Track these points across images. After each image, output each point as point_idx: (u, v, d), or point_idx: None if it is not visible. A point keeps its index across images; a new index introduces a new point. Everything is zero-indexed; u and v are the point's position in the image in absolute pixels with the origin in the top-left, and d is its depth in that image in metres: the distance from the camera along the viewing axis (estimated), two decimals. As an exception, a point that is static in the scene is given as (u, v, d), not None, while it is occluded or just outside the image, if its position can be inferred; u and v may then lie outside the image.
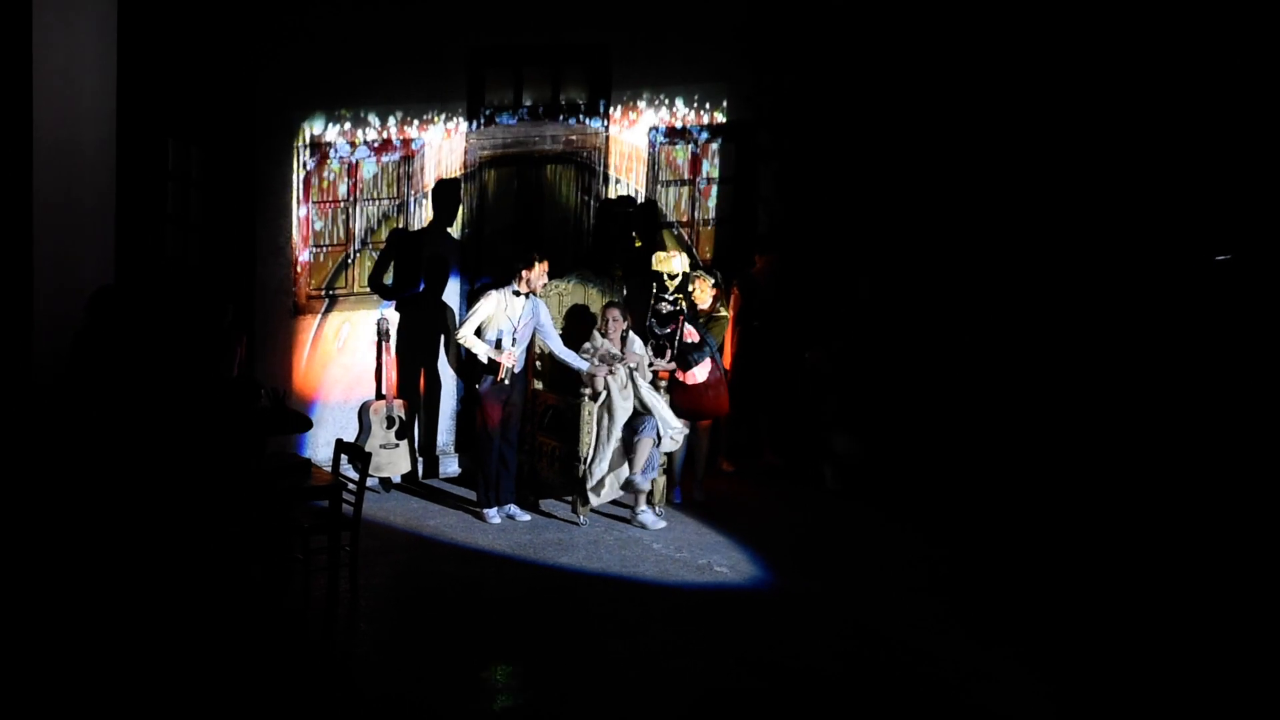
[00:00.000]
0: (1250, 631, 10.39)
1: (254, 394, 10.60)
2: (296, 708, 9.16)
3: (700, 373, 12.36)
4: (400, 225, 12.51)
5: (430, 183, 12.57)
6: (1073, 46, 12.97)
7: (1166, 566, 11.30)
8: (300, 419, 10.55)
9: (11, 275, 10.71)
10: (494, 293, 11.91)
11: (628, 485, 11.97)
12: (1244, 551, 11.38)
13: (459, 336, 11.97)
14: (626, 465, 11.90)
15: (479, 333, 11.89)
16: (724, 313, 12.59)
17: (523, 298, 11.93)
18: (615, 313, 12.07)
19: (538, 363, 12.35)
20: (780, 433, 13.45)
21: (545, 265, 11.94)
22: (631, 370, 11.96)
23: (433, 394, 12.74)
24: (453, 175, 12.63)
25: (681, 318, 12.34)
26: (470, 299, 12.72)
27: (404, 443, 12.41)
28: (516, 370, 11.97)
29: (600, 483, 11.89)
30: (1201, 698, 9.61)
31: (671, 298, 12.40)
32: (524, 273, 11.88)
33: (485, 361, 11.87)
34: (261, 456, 10.35)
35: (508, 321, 11.88)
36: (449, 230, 12.67)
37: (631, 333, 12.16)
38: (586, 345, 12.06)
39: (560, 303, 12.49)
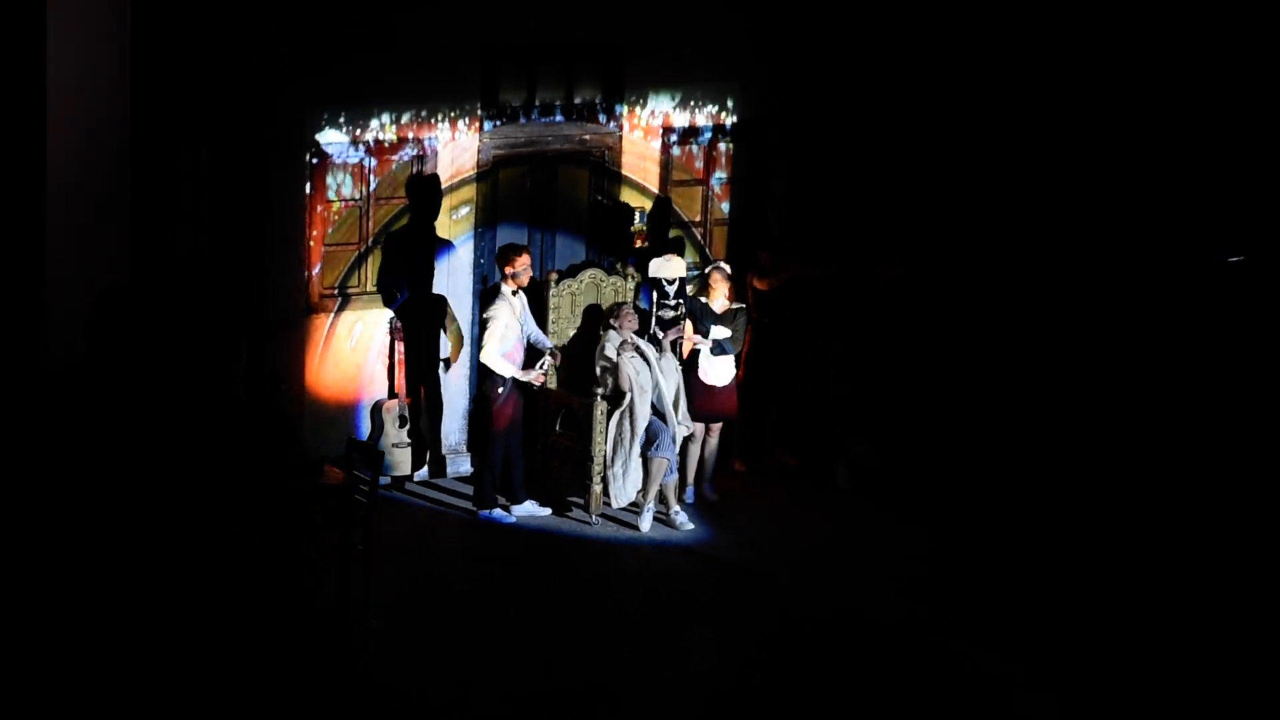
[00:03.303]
0: (1252, 632, 10.38)
1: (276, 389, 10.64)
2: (309, 704, 9.19)
3: (721, 376, 12.36)
4: (409, 224, 12.52)
5: (442, 181, 12.59)
6: (1088, 44, 12.95)
7: (1184, 567, 11.28)
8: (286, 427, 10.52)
9: (25, 275, 10.75)
10: (500, 303, 11.89)
11: (659, 498, 12.02)
12: (1253, 551, 11.37)
13: (485, 358, 11.86)
14: (640, 478, 11.95)
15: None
16: (739, 306, 12.55)
17: (521, 294, 11.97)
18: (627, 309, 12.09)
19: (549, 361, 12.38)
20: (792, 432, 13.44)
21: (527, 258, 11.96)
22: (658, 355, 12.00)
23: (432, 394, 12.73)
24: (466, 174, 12.64)
25: (684, 323, 12.36)
26: (482, 298, 12.73)
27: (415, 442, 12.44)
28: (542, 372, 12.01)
29: (622, 489, 11.92)
30: (1205, 698, 9.60)
31: (673, 303, 12.42)
32: (506, 270, 11.90)
33: (508, 379, 11.87)
34: (285, 452, 10.37)
35: (517, 325, 11.93)
36: (453, 228, 12.69)
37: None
38: (605, 344, 12.05)
39: (573, 302, 12.51)
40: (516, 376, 11.89)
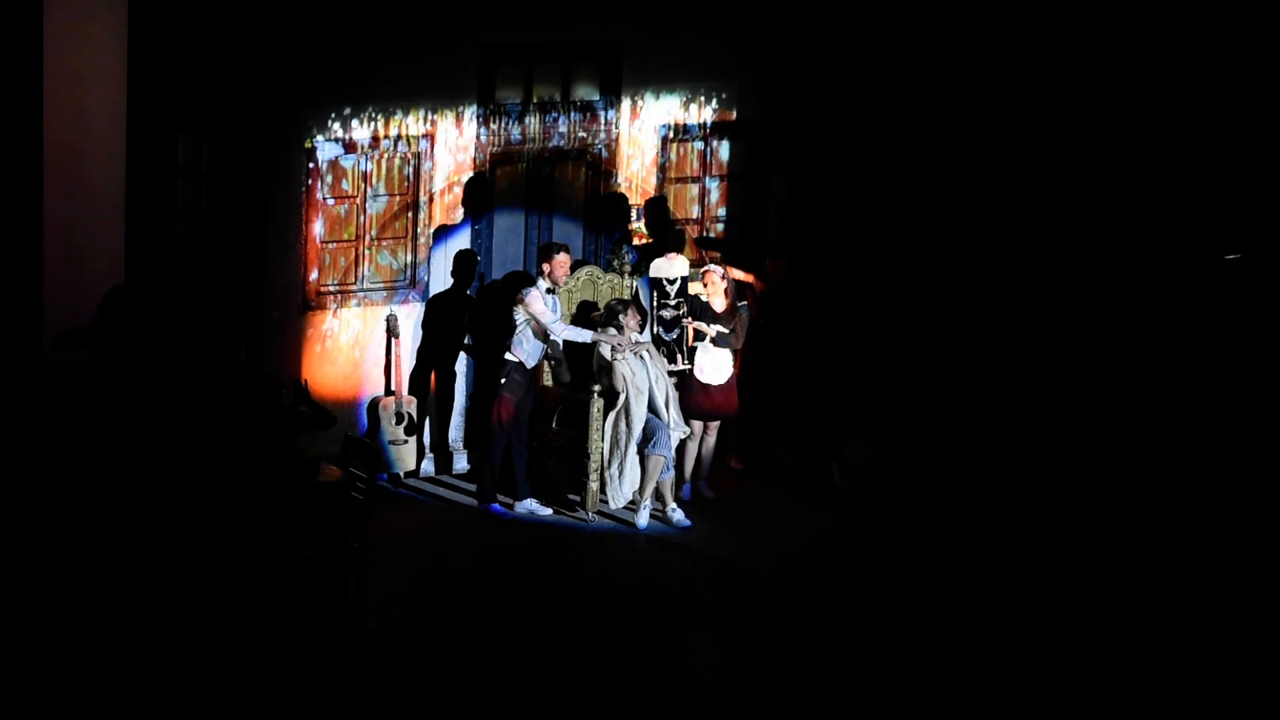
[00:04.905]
0: (1256, 633, 10.39)
1: (274, 391, 10.60)
2: (306, 705, 9.17)
3: (718, 373, 12.34)
4: (410, 221, 12.52)
5: (439, 179, 12.58)
6: (1088, 45, 12.95)
7: (1174, 564, 11.30)
8: (325, 415, 10.50)
9: (21, 272, 10.71)
10: (533, 290, 11.87)
11: (656, 495, 12.02)
12: (1251, 551, 11.38)
13: (561, 335, 11.88)
14: (637, 477, 11.95)
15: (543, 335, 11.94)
16: (742, 304, 12.55)
17: (554, 294, 12.02)
18: (631, 309, 12.10)
19: (549, 360, 12.36)
20: (792, 431, 13.44)
21: (566, 257, 11.98)
22: (650, 357, 11.99)
23: (444, 390, 12.75)
24: (464, 172, 12.64)
25: (686, 322, 12.36)
26: (480, 295, 12.73)
27: (413, 439, 12.42)
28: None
29: (619, 490, 11.92)
30: (1207, 698, 9.61)
31: (674, 303, 12.41)
32: (545, 266, 11.92)
33: (525, 375, 11.88)
34: (280, 453, 10.34)
35: (553, 316, 11.96)
36: (463, 227, 12.70)
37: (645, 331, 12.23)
38: (602, 343, 12.04)
39: (570, 299, 12.50)
40: (598, 339, 11.91)
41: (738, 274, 12.96)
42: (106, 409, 10.10)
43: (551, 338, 11.95)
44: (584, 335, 11.97)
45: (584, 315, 12.47)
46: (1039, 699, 9.55)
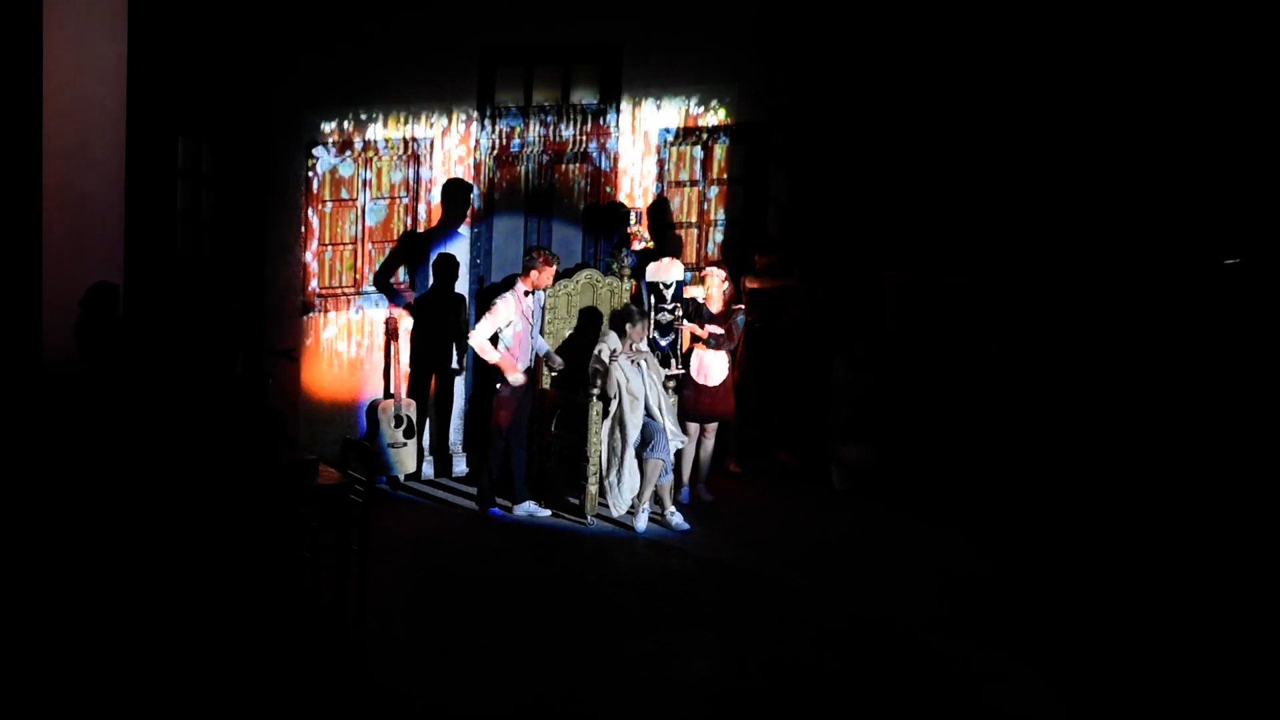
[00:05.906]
0: (1256, 631, 10.39)
1: (269, 391, 10.60)
2: (306, 706, 9.16)
3: (715, 375, 12.34)
4: (410, 223, 12.52)
5: (439, 182, 12.58)
6: (1088, 47, 12.97)
7: (1174, 566, 11.30)
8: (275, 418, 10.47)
9: (21, 273, 10.72)
10: (509, 296, 11.90)
11: (655, 498, 12.01)
12: (1250, 551, 11.38)
13: (472, 340, 11.92)
14: (636, 482, 11.94)
15: (494, 338, 11.88)
16: (737, 307, 12.54)
17: (533, 295, 11.98)
18: (640, 320, 12.06)
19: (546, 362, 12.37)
20: (793, 432, 13.43)
21: (553, 267, 11.98)
22: (646, 365, 11.98)
23: (443, 393, 12.73)
24: (462, 174, 12.64)
25: (679, 325, 12.36)
26: (478, 299, 12.72)
27: (412, 441, 12.40)
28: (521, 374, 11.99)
29: (619, 497, 11.91)
30: (1208, 697, 9.61)
31: (670, 307, 12.41)
32: (532, 273, 11.92)
33: (492, 365, 11.90)
34: (277, 454, 10.33)
35: (523, 321, 11.91)
36: (459, 230, 12.68)
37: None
38: (601, 346, 12.03)
39: (569, 303, 12.49)
40: (499, 365, 11.85)
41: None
42: (105, 409, 10.10)
43: (470, 339, 11.92)
44: (491, 356, 11.88)
45: (583, 321, 12.45)
46: (1039, 699, 9.55)
